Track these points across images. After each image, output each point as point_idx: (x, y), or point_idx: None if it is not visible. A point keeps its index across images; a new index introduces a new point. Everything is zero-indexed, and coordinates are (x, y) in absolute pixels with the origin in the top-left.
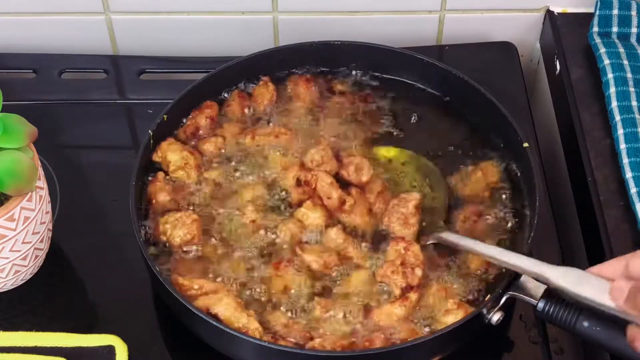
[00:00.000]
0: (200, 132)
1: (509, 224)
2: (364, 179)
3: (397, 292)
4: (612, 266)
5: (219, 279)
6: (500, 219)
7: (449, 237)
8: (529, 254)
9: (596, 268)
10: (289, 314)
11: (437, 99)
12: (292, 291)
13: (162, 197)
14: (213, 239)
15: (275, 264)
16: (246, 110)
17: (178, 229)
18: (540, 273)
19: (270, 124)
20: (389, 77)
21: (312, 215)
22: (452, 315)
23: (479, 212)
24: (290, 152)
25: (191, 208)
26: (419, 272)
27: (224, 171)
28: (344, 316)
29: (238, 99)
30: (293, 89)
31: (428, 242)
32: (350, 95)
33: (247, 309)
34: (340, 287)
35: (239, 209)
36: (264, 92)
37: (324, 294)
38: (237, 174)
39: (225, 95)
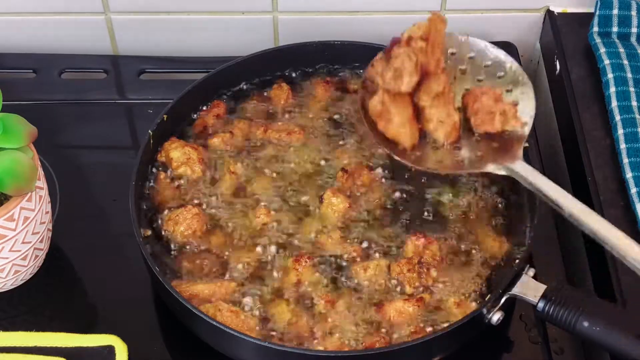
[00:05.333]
0: (208, 129)
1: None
2: (403, 88)
3: (410, 290)
4: None
5: (219, 275)
6: (500, 219)
7: (523, 170)
8: (530, 259)
9: None
10: (294, 309)
11: None
12: (305, 287)
13: (166, 195)
14: (220, 233)
15: (296, 257)
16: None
17: (179, 225)
18: (623, 248)
19: (283, 121)
20: None
21: (335, 201)
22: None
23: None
24: (304, 151)
25: (196, 202)
26: (434, 273)
27: (237, 165)
28: (349, 311)
29: (256, 99)
30: (311, 90)
31: (497, 172)
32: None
33: (251, 302)
34: (353, 280)
35: (249, 203)
36: (279, 93)
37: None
38: (245, 168)
39: (231, 92)
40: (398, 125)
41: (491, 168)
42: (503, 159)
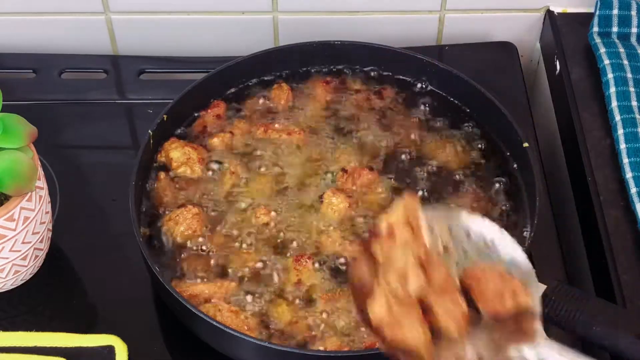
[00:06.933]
0: (208, 129)
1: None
2: (414, 288)
3: None
4: None
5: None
6: (500, 219)
7: (550, 348)
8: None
9: None
10: (294, 309)
11: (437, 99)
12: (305, 287)
13: (166, 195)
14: (220, 233)
15: (296, 257)
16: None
17: (179, 225)
18: None
19: (283, 121)
20: (389, 77)
21: (335, 201)
22: None
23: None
24: (304, 150)
25: (196, 202)
26: None
27: (235, 165)
28: (349, 311)
29: (255, 99)
30: (311, 90)
31: (524, 355)
32: (366, 92)
33: (251, 301)
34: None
35: (249, 203)
36: (279, 93)
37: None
38: (245, 168)
39: (230, 92)
40: (409, 329)
41: (514, 354)
42: (522, 340)
